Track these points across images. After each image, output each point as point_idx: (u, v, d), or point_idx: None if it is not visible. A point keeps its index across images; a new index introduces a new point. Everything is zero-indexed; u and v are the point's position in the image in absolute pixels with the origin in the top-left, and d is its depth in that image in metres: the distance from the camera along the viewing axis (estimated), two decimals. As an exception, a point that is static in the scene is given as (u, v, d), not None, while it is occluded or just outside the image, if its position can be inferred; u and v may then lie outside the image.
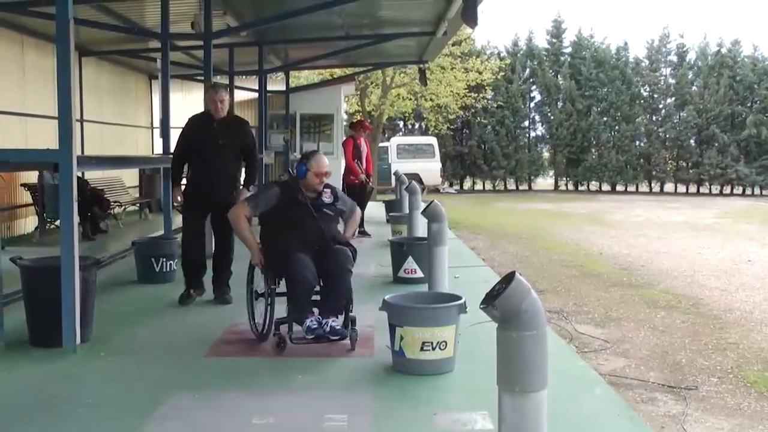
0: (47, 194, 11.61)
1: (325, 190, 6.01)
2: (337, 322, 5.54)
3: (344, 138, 14.35)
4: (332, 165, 18.81)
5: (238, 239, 6.18)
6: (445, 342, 5.04)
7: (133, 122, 18.35)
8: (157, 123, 17.34)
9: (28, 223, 13.00)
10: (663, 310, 9.86)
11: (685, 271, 12.73)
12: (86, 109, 14.96)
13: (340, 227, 6.24)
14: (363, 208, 12.54)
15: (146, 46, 14.56)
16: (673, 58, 41.21)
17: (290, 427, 4.20)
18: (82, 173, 12.16)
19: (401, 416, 4.37)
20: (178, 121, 11.65)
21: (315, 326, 5.44)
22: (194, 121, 7.68)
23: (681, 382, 6.89)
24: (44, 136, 11.08)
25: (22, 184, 12.30)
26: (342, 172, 12.99)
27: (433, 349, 5.00)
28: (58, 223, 9.00)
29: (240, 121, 7.94)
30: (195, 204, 7.44)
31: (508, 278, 2.82)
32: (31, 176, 12.29)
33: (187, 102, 17.15)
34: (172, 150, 8.20)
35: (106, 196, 13.40)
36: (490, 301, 2.79)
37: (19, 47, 12.84)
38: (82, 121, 14.36)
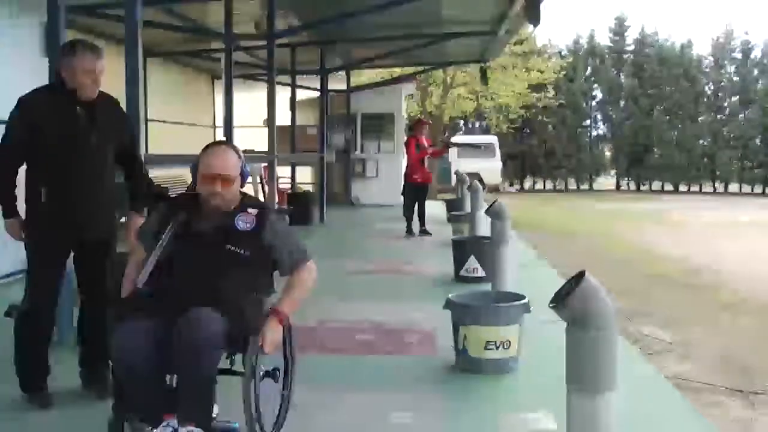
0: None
1: (248, 210, 3.65)
2: None
3: (405, 138, 14.45)
4: (394, 164, 18.77)
5: None
6: (509, 341, 5.02)
7: (197, 122, 18.61)
8: (219, 122, 17.59)
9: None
10: (730, 312, 9.67)
11: (753, 273, 12.47)
12: (150, 109, 15.20)
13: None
14: (422, 207, 12.67)
15: (209, 46, 14.74)
16: (738, 55, 40.42)
17: (356, 424, 4.23)
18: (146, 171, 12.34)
19: (466, 415, 4.38)
20: (241, 120, 11.79)
21: None
22: (43, 103, 4.29)
23: (749, 386, 6.76)
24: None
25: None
26: (403, 171, 13.11)
27: (497, 348, 4.99)
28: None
29: (114, 103, 4.54)
30: (52, 243, 4.36)
31: (578, 277, 2.80)
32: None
33: (250, 101, 17.32)
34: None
35: (170, 194, 13.59)
36: (560, 300, 2.77)
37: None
38: (146, 120, 14.59)
